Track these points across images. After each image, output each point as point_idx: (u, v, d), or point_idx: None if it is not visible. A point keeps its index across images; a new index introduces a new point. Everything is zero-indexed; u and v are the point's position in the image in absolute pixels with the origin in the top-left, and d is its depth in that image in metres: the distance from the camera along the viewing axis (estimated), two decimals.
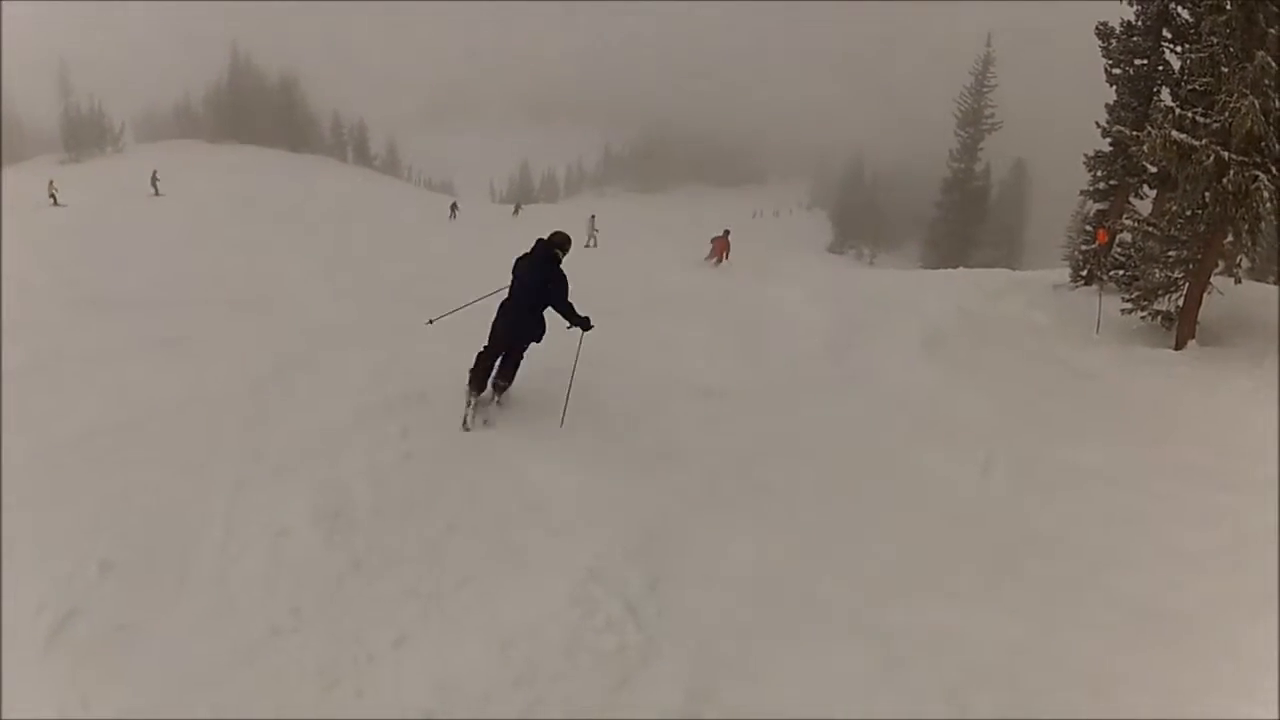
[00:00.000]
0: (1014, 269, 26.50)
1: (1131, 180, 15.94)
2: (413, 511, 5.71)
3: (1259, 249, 11.61)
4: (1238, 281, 12.46)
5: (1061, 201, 47.36)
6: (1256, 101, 10.37)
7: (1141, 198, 16.24)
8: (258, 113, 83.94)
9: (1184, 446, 7.55)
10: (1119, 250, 14.71)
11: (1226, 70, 10.93)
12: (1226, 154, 10.68)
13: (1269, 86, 10.52)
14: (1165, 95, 14.85)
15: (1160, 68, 15.51)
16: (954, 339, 12.01)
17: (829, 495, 6.42)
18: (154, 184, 39.15)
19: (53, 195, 32.36)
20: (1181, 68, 13.75)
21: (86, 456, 6.20)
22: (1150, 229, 12.62)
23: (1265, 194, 10.51)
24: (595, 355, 7.48)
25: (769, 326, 12.39)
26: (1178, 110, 11.48)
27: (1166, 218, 12.24)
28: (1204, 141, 10.80)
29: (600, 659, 4.27)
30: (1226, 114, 10.59)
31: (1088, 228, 18.15)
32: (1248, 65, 10.57)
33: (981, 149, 57.58)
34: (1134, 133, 13.40)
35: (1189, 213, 11.62)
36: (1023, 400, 9.37)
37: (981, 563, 5.41)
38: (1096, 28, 16.10)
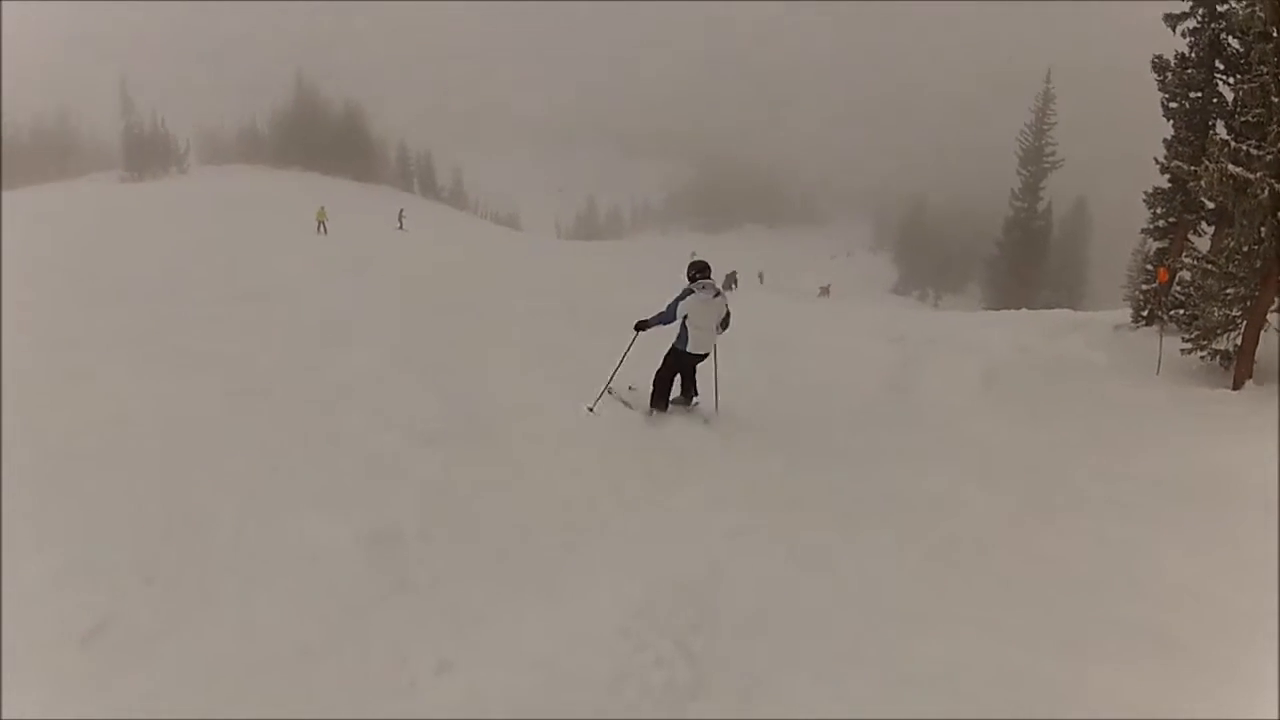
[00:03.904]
0: (1076, 310, 25.91)
1: (1190, 217, 15.43)
2: (459, 538, 5.82)
3: None
4: None
5: (1124, 239, 46.19)
6: None
7: (1201, 234, 15.73)
8: (322, 139, 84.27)
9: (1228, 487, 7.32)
10: (1179, 289, 14.28)
11: (1277, 100, 10.61)
12: None
13: None
14: (1220, 128, 14.43)
15: (1215, 100, 15.10)
16: (1012, 378, 12.16)
17: (876, 531, 6.38)
18: (400, 220, 45.10)
19: (322, 223, 35.16)
20: (1235, 99, 13.39)
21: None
22: (1209, 267, 12.21)
23: None
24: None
25: (835, 363, 13.19)
26: (1232, 143, 11.17)
27: (1224, 254, 11.86)
28: (1259, 174, 10.47)
29: (647, 693, 4.28)
30: (1278, 146, 10.26)
31: (1148, 266, 17.62)
32: None
33: (1043, 187, 56.41)
34: (1191, 167, 13.06)
35: (1246, 249, 11.26)
36: (1073, 438, 9.26)
37: (1020, 596, 5.39)
38: (1152, 61, 15.76)
